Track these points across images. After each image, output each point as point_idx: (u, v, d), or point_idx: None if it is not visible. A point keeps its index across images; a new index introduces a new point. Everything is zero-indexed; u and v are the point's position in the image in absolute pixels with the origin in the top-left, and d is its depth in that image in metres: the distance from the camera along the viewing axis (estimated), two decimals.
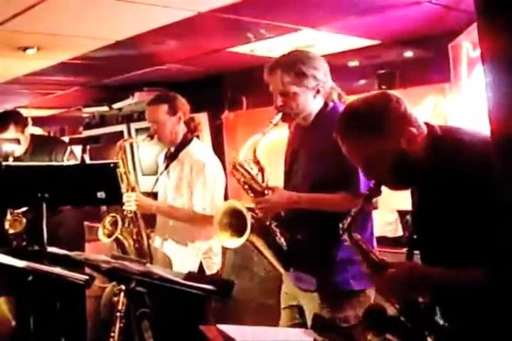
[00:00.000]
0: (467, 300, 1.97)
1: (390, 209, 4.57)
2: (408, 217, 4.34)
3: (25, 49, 4.54)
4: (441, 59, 3.94)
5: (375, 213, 3.05)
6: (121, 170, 3.93)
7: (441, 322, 2.03)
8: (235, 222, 2.98)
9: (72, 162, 4.72)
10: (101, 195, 3.77)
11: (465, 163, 1.98)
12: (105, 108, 7.00)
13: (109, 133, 7.45)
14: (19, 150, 4.61)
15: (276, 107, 2.99)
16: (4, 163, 4.32)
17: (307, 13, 3.85)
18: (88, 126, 8.04)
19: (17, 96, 7.08)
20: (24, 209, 4.43)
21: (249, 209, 2.94)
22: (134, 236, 4.00)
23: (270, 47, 4.71)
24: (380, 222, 4.03)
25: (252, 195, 3.00)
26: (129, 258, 3.19)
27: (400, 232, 4.61)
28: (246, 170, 2.99)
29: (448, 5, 3.69)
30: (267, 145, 5.54)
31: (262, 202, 2.91)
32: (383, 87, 4.46)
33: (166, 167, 4.05)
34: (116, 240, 3.99)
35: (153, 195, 4.18)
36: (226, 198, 4.11)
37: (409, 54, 4.66)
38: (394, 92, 2.14)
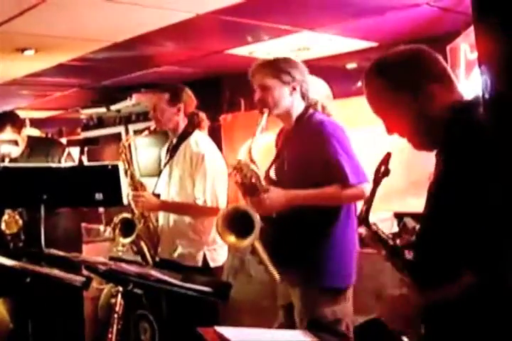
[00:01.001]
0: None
1: (386, 209, 4.57)
2: (405, 220, 4.33)
3: (23, 50, 4.54)
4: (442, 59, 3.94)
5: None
6: (126, 169, 3.95)
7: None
8: (238, 223, 3.04)
9: (70, 163, 4.72)
10: (99, 196, 3.77)
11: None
12: (103, 109, 7.00)
13: (107, 135, 7.45)
14: (16, 151, 4.60)
15: (255, 101, 3.21)
16: (1, 165, 4.32)
17: (305, 15, 3.86)
18: (86, 128, 8.03)
19: (15, 97, 7.08)
20: (20, 209, 4.42)
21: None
22: (146, 231, 4.01)
23: (269, 49, 4.71)
24: (374, 219, 4.03)
25: (248, 196, 3.06)
26: (126, 260, 3.19)
27: (395, 228, 4.61)
28: (249, 169, 3.06)
29: (446, 7, 3.70)
30: (260, 148, 5.57)
31: (260, 201, 2.96)
32: None
33: (168, 159, 4.06)
34: (135, 239, 3.99)
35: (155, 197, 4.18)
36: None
37: None
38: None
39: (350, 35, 4.42)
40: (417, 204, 2.25)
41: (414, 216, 4.14)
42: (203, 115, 4.10)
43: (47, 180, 3.81)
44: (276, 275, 3.04)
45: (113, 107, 6.80)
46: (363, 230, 2.26)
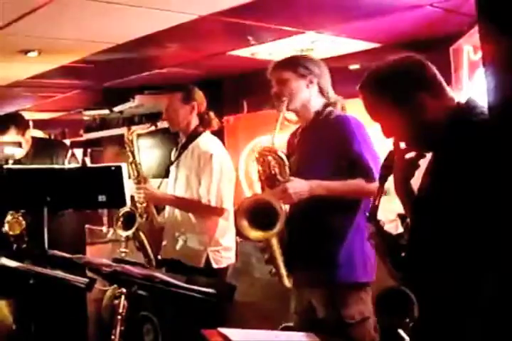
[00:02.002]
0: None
1: (390, 211, 4.56)
2: (408, 220, 4.32)
3: (26, 52, 4.55)
4: (443, 62, 3.93)
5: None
6: (131, 161, 3.97)
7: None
8: (258, 215, 2.96)
9: (73, 165, 4.72)
10: (102, 198, 3.77)
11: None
12: (106, 111, 7.00)
13: (109, 136, 7.46)
14: (20, 153, 4.61)
15: (273, 95, 3.16)
16: (5, 166, 4.33)
17: (308, 16, 3.86)
18: (89, 129, 8.04)
19: (18, 99, 7.08)
20: (24, 210, 4.43)
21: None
22: (148, 228, 4.03)
23: (271, 50, 4.72)
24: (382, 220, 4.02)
25: (269, 186, 3.05)
26: (130, 262, 3.19)
27: (400, 229, 4.60)
28: (277, 156, 3.06)
29: (449, 8, 3.69)
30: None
31: (283, 190, 2.91)
32: None
33: (177, 158, 4.07)
34: (134, 233, 4.00)
35: None
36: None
37: None
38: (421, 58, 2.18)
39: (353, 36, 4.42)
40: None
41: None
42: (213, 114, 4.12)
43: (50, 182, 3.81)
44: (286, 279, 3.02)
45: (116, 109, 6.80)
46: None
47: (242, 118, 5.94)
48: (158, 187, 4.10)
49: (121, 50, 4.58)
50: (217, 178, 3.83)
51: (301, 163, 3.11)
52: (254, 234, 2.97)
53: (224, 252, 3.94)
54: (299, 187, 2.91)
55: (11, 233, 4.39)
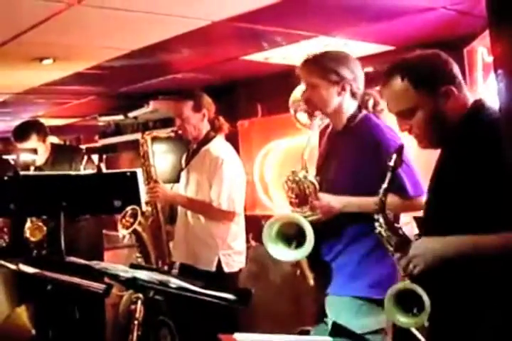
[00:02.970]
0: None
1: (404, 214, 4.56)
2: None
3: (41, 60, 4.58)
4: (456, 64, 3.92)
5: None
6: (143, 162, 3.99)
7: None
8: (287, 233, 2.90)
9: (89, 171, 4.75)
10: (118, 203, 3.79)
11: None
12: (121, 117, 7.03)
13: (125, 142, 7.48)
14: (39, 159, 4.65)
15: (303, 100, 3.08)
16: (22, 173, 4.37)
17: (321, 20, 3.86)
18: (104, 135, 8.08)
19: (33, 105, 7.12)
20: (44, 217, 4.46)
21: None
22: (153, 230, 4.03)
23: (284, 54, 4.72)
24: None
25: (298, 206, 2.94)
26: (147, 267, 3.20)
27: (416, 231, 4.59)
28: (308, 181, 2.93)
29: (462, 10, 3.68)
30: (283, 150, 5.57)
31: (313, 210, 2.86)
32: None
33: (187, 162, 4.09)
34: (135, 233, 4.00)
35: None
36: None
37: None
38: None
39: (366, 40, 4.41)
40: None
41: None
42: (222, 119, 4.14)
43: (66, 188, 3.84)
44: (311, 279, 2.99)
45: (130, 114, 6.83)
46: None
47: (257, 123, 5.95)
48: (176, 178, 4.13)
49: (135, 56, 4.61)
50: (229, 183, 3.85)
51: (332, 172, 3.00)
52: (275, 248, 2.91)
53: (235, 256, 3.95)
54: (328, 206, 2.85)
55: (32, 239, 4.43)
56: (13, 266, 3.31)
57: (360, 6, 3.59)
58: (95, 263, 2.90)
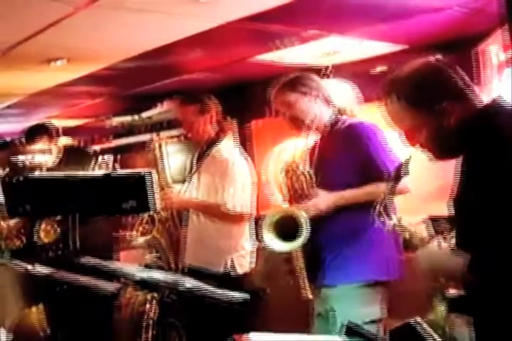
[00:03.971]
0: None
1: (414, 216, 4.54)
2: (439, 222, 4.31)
3: (54, 61, 4.60)
4: (469, 63, 3.91)
5: None
6: (154, 168, 4.00)
7: None
8: (285, 226, 3.07)
9: (102, 171, 4.76)
10: (132, 204, 3.79)
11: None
12: (134, 117, 7.05)
13: (138, 142, 7.49)
14: (50, 161, 4.67)
15: (287, 121, 3.28)
16: (34, 174, 4.38)
17: (333, 19, 3.86)
18: (117, 136, 8.09)
19: (47, 106, 7.15)
20: (58, 218, 4.48)
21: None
22: (170, 235, 4.05)
23: (296, 54, 4.71)
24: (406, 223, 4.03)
25: (296, 201, 3.13)
26: (161, 267, 3.21)
27: (431, 231, 4.58)
28: (306, 171, 3.13)
29: (475, 9, 3.67)
30: (297, 150, 5.56)
31: (313, 206, 3.05)
32: None
33: (197, 166, 4.09)
34: (153, 239, 4.03)
35: None
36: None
37: None
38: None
39: (379, 39, 4.40)
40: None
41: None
42: (229, 118, 4.14)
43: (79, 189, 3.84)
44: (308, 291, 3.05)
45: (144, 115, 6.84)
46: None
47: (270, 122, 5.93)
48: (187, 183, 4.14)
49: (148, 57, 4.62)
50: (240, 185, 3.85)
51: (323, 173, 3.17)
52: (277, 245, 3.10)
53: (247, 257, 3.96)
54: (324, 202, 3.04)
55: (45, 240, 4.45)
56: (29, 266, 3.34)
57: (373, 5, 3.58)
58: (109, 263, 2.92)
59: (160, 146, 4.13)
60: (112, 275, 2.92)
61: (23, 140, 4.76)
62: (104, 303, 4.19)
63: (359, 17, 3.82)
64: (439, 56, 2.19)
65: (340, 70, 4.63)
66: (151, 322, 3.14)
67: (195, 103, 3.99)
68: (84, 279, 2.95)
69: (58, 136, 4.83)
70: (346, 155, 3.07)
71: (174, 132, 4.43)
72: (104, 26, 3.75)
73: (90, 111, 7.60)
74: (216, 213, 3.93)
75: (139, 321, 3.81)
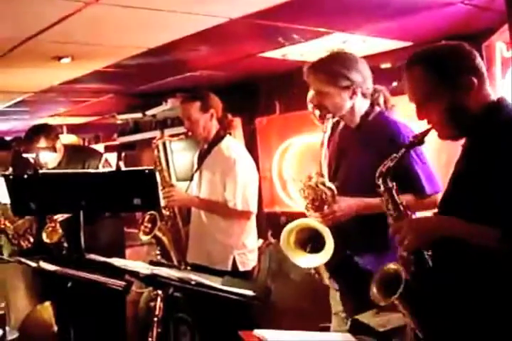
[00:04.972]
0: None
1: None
2: None
3: (60, 58, 4.60)
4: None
5: None
6: (156, 167, 4.01)
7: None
8: (304, 238, 2.92)
9: (107, 169, 4.78)
10: (137, 201, 3.80)
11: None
12: (139, 114, 7.06)
13: (143, 140, 7.51)
14: (51, 161, 4.69)
15: (313, 106, 3.09)
16: (41, 171, 4.40)
17: (339, 16, 3.85)
18: (122, 133, 8.11)
19: (52, 104, 7.17)
20: (61, 219, 4.50)
21: None
22: (172, 233, 4.06)
23: (302, 51, 4.71)
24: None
25: (316, 210, 2.93)
26: (167, 264, 3.22)
27: None
28: (325, 187, 2.91)
29: (480, 5, 3.66)
30: (301, 147, 5.57)
31: (332, 214, 2.85)
32: None
33: (200, 164, 4.09)
34: (155, 237, 4.05)
35: None
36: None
37: None
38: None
39: (384, 36, 4.40)
40: None
41: None
42: (230, 116, 4.14)
43: (85, 186, 3.85)
44: (326, 279, 3.00)
45: (149, 112, 6.85)
46: None
47: (275, 119, 5.94)
48: (186, 191, 4.14)
49: (153, 54, 4.62)
50: (243, 182, 3.85)
51: (347, 171, 3.01)
52: (301, 259, 2.93)
53: (250, 255, 3.97)
54: (347, 209, 2.85)
55: (48, 241, 4.47)
56: (33, 264, 3.35)
57: (378, 1, 3.58)
58: (115, 261, 2.93)
59: (164, 144, 4.15)
60: (118, 272, 2.93)
61: (26, 139, 4.77)
62: (112, 300, 4.21)
63: (365, 14, 3.81)
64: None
65: None
66: (156, 319, 3.14)
67: (198, 100, 3.99)
68: (90, 276, 2.96)
69: (57, 137, 4.83)
70: (381, 157, 2.58)
71: (179, 130, 4.42)
72: (110, 24, 3.75)
73: (96, 108, 7.62)
74: (219, 211, 3.93)
75: (147, 317, 3.83)
